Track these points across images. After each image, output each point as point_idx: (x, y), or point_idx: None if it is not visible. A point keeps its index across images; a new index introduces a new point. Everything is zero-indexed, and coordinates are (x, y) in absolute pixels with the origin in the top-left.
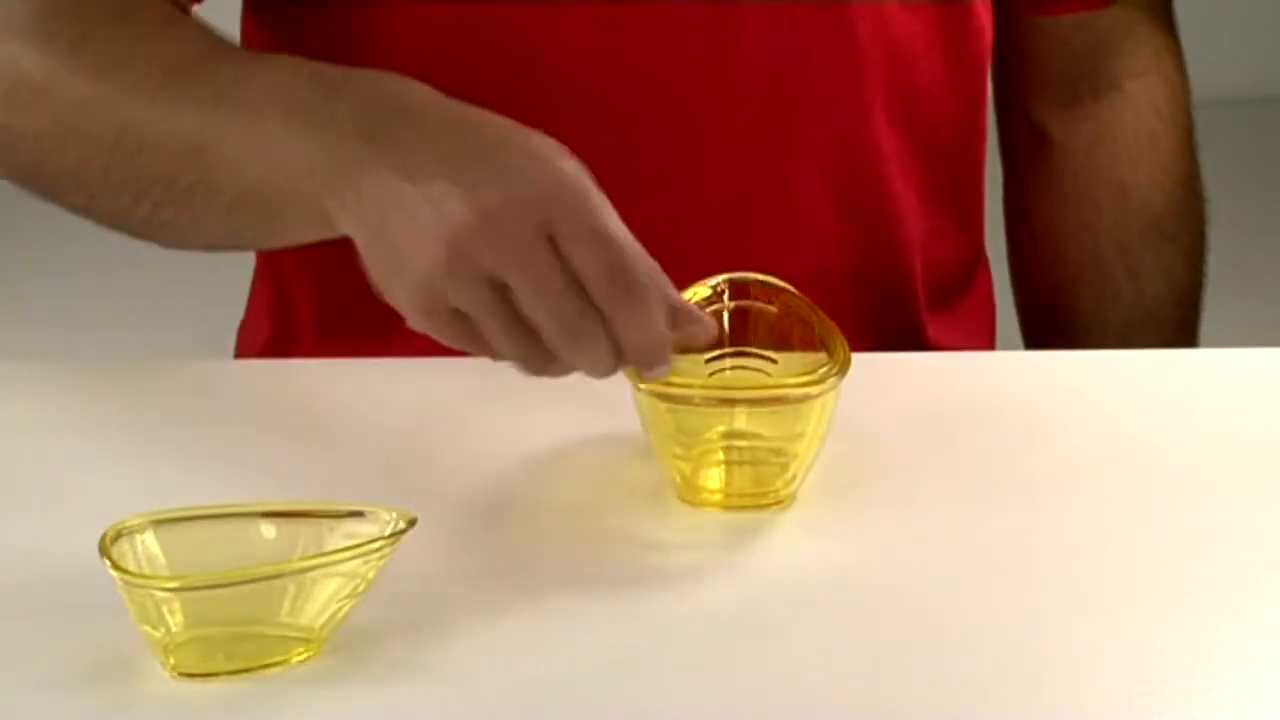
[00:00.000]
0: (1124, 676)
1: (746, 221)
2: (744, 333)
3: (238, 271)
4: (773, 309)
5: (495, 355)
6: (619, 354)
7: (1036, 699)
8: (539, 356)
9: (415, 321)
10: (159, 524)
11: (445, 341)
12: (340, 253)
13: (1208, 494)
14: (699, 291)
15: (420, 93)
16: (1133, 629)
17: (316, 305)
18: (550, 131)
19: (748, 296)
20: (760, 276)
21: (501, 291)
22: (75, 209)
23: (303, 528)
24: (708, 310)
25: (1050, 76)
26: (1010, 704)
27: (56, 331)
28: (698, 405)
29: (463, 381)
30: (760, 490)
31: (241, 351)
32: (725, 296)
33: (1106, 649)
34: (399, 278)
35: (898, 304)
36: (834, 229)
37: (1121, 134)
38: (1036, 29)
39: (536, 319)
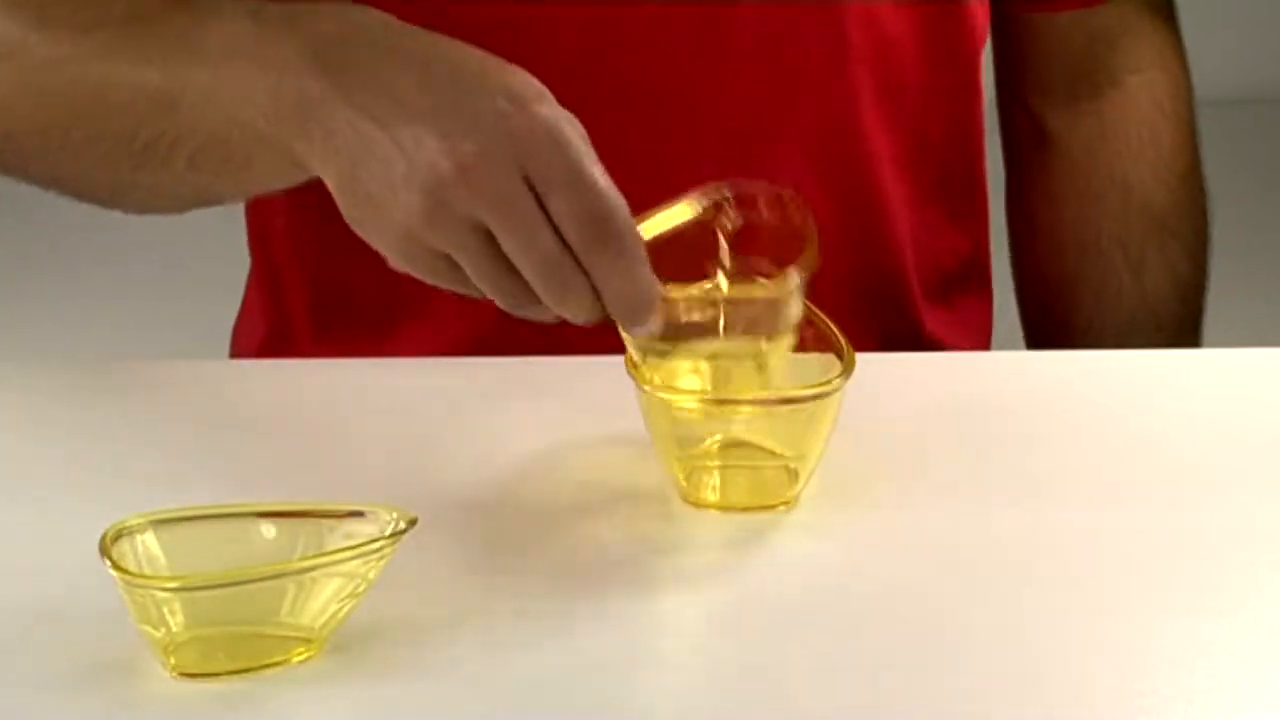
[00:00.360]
0: (1124, 676)
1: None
2: (737, 248)
3: (236, 270)
4: (769, 217)
5: (479, 294)
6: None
7: (1037, 699)
8: (523, 297)
9: (396, 264)
10: (159, 524)
11: (428, 280)
12: (334, 250)
13: (1209, 494)
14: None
15: (370, 19)
16: (1133, 629)
17: (310, 303)
18: None
19: (750, 205)
20: (762, 185)
21: (484, 235)
22: (41, 180)
23: (303, 528)
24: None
25: (1050, 73)
26: (1010, 704)
27: (56, 331)
28: (700, 407)
29: (463, 381)
30: (763, 493)
31: (237, 350)
32: (721, 212)
33: (1106, 649)
34: (375, 224)
35: (893, 299)
36: (825, 223)
37: (1123, 130)
38: (1034, 26)
39: (519, 265)
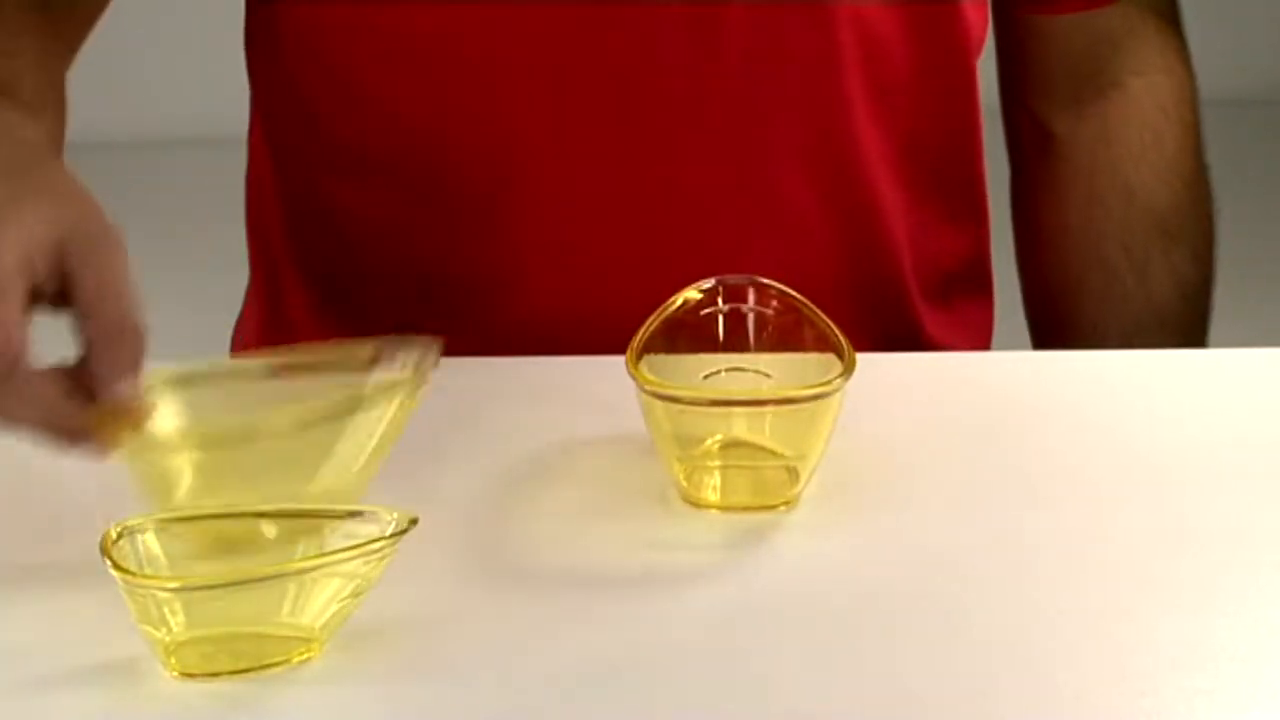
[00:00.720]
0: (1124, 676)
1: (729, 221)
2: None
3: (237, 273)
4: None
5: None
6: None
7: (1037, 699)
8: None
9: None
10: (159, 524)
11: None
12: (334, 255)
13: (1210, 494)
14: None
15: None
16: (1133, 629)
17: (308, 306)
18: (531, 132)
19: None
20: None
21: None
22: None
23: (303, 528)
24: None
25: (1053, 76)
26: (1010, 704)
27: (57, 331)
28: (701, 408)
29: (465, 381)
30: (763, 493)
31: (236, 351)
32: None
33: (1106, 649)
34: None
35: (891, 300)
36: (818, 226)
37: (1125, 133)
38: (1036, 28)
39: None
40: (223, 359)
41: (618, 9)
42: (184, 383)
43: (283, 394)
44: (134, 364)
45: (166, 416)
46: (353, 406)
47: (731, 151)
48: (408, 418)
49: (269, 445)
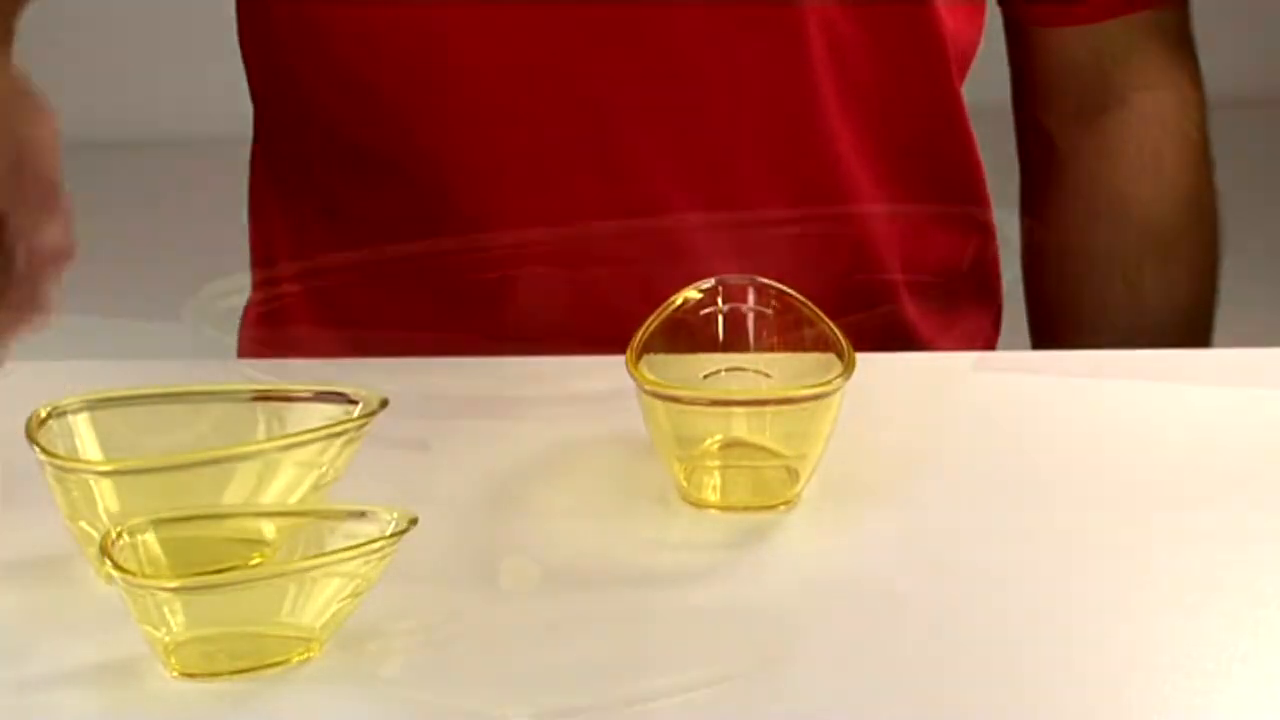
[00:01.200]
0: (1124, 677)
1: (703, 222)
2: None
3: (237, 273)
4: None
5: None
6: None
7: (1037, 699)
8: None
9: None
10: (160, 523)
11: None
12: (331, 252)
13: (1209, 494)
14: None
15: None
16: (1133, 629)
17: (308, 305)
18: (495, 132)
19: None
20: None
21: None
22: None
23: (303, 528)
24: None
25: (1057, 88)
26: (1011, 704)
27: (57, 331)
28: (701, 408)
29: (465, 380)
30: (763, 493)
31: (242, 341)
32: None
33: (1107, 649)
34: None
35: (879, 302)
36: (796, 225)
37: (1125, 148)
38: (1040, 40)
39: None
40: (161, 384)
41: (582, 9)
42: (122, 404)
43: (226, 421)
44: (57, 211)
45: (94, 437)
46: (291, 443)
47: (704, 150)
48: (346, 464)
49: (195, 473)
